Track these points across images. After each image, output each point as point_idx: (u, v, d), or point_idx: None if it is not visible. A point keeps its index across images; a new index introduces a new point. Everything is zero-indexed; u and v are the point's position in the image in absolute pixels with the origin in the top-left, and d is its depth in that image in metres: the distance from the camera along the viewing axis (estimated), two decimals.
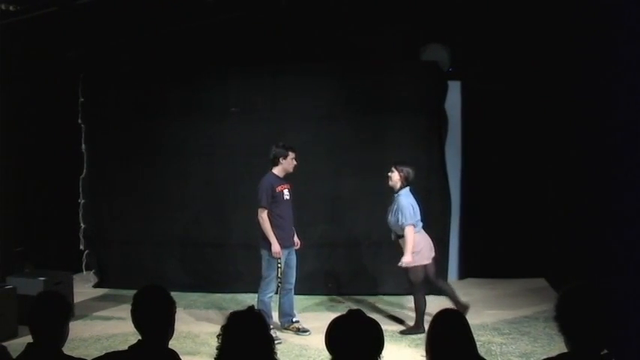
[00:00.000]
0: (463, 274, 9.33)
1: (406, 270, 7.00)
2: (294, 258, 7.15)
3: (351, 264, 8.74)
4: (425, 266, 7.05)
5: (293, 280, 7.15)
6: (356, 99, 8.76)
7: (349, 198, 8.72)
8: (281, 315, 7.20)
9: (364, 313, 3.00)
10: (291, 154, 6.99)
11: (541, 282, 9.01)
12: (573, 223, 8.05)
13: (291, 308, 7.22)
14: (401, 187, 6.98)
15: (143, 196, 9.05)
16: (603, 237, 6.53)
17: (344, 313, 3.02)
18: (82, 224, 9.19)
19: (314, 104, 8.74)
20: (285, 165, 6.98)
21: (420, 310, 7.04)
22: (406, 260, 6.84)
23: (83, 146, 9.16)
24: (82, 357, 3.59)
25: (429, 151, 8.64)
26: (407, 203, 6.91)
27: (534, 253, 9.17)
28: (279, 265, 6.89)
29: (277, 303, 7.19)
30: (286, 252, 6.99)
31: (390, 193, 7.20)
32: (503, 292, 8.71)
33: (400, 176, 6.97)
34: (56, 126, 9.12)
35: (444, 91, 9.00)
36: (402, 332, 7.07)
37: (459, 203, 9.16)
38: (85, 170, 9.18)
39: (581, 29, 7.55)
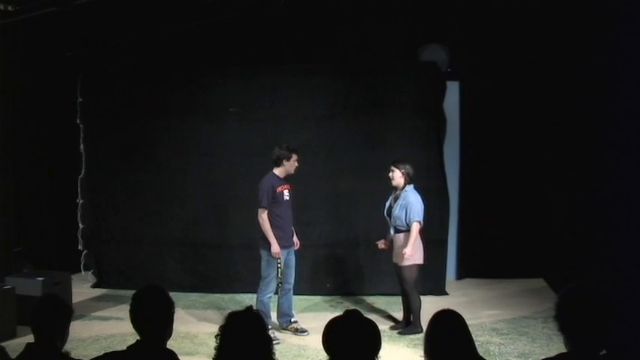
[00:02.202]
0: (462, 274, 9.33)
1: (401, 268, 7.02)
2: (293, 258, 7.15)
3: (350, 264, 8.74)
4: (419, 266, 7.08)
5: (292, 280, 7.16)
6: (355, 99, 8.76)
7: (348, 198, 8.72)
8: (279, 315, 7.20)
9: (361, 314, 3.00)
10: (295, 156, 7.00)
11: (540, 282, 9.02)
12: (572, 223, 8.06)
13: (290, 308, 7.22)
14: (405, 184, 7.03)
15: (142, 196, 9.04)
16: (602, 237, 6.53)
17: (341, 313, 3.02)
18: (80, 224, 9.18)
19: (313, 104, 8.75)
20: (288, 166, 6.99)
21: (415, 309, 7.06)
22: (408, 252, 6.87)
23: (82, 146, 9.14)
24: (80, 357, 3.59)
25: (428, 150, 8.64)
26: (416, 200, 6.99)
27: (533, 253, 9.17)
28: (278, 266, 6.90)
29: (276, 303, 7.19)
30: (285, 252, 7.00)
31: (389, 192, 7.22)
32: (501, 292, 8.72)
33: (402, 174, 7.02)
34: (55, 126, 9.12)
35: (442, 91, 9.00)
36: (400, 332, 7.07)
37: (457, 203, 9.17)
38: (83, 170, 9.16)
39: (580, 29, 7.55)
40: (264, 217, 6.87)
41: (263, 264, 6.97)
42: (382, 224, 8.52)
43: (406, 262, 6.95)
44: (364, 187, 8.63)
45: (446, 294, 8.52)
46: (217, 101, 8.89)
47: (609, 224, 6.30)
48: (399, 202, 7.01)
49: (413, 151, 8.27)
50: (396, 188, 7.12)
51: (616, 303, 2.82)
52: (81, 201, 9.19)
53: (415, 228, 6.92)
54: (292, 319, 7.18)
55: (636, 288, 5.38)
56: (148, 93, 9.06)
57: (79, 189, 9.19)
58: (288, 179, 7.08)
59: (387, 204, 7.21)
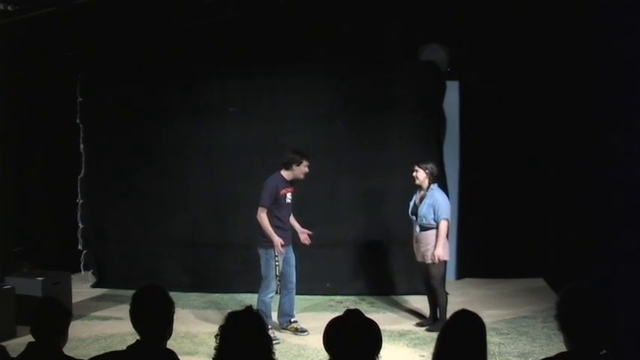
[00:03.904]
0: (461, 274, 9.33)
1: (428, 266, 7.06)
2: (293, 257, 7.14)
3: (349, 264, 8.74)
4: (445, 262, 7.15)
5: (294, 279, 7.14)
6: (354, 99, 8.76)
7: (348, 198, 8.72)
8: (280, 315, 7.19)
9: (362, 313, 3.00)
10: (305, 162, 6.96)
11: (539, 282, 9.02)
12: (571, 223, 8.06)
13: (292, 309, 7.21)
14: (430, 184, 7.07)
15: (141, 196, 9.04)
16: (602, 237, 6.53)
17: (342, 313, 3.02)
18: (80, 224, 9.18)
19: (312, 104, 8.74)
20: (297, 172, 6.97)
21: (442, 305, 7.09)
22: (438, 253, 6.93)
23: (81, 146, 9.15)
24: (80, 357, 3.60)
25: (428, 150, 8.61)
26: (443, 199, 7.06)
27: (532, 253, 9.18)
28: (277, 264, 6.89)
29: (277, 302, 7.18)
30: (284, 250, 6.99)
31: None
32: (501, 292, 8.72)
33: (426, 174, 7.06)
34: (54, 126, 9.12)
35: (442, 91, 8.99)
36: (429, 329, 7.09)
37: (457, 203, 9.14)
38: (83, 170, 9.17)
39: (579, 28, 7.55)
40: (263, 215, 6.85)
41: (262, 264, 6.96)
42: (381, 224, 8.54)
43: (439, 258, 6.98)
44: (364, 187, 8.64)
45: (446, 294, 8.51)
46: (217, 101, 8.89)
47: (609, 224, 6.30)
48: (426, 201, 7.03)
49: (413, 151, 8.26)
50: (420, 187, 7.15)
51: (616, 303, 2.83)
52: (81, 201, 9.20)
53: (444, 226, 6.96)
54: (292, 319, 7.18)
55: (636, 288, 5.38)
56: (147, 93, 9.05)
57: (79, 189, 9.19)
58: (293, 183, 7.07)
59: (412, 203, 7.23)
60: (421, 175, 7.08)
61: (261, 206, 6.87)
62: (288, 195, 7.01)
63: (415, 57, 9.33)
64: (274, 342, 3.13)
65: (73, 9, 7.68)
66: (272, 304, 7.02)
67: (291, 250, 7.14)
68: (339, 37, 9.46)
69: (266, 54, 9.26)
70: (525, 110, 9.07)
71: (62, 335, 3.49)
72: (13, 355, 3.54)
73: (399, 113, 8.67)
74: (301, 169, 6.96)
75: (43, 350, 3.39)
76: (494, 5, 8.83)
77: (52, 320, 3.47)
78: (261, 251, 6.94)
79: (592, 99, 6.98)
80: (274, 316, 7.16)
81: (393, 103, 8.69)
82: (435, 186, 7.10)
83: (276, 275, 6.91)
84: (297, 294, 7.42)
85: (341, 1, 9.31)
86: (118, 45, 9.35)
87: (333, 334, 2.93)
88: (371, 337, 2.93)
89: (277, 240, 6.80)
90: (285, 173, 6.97)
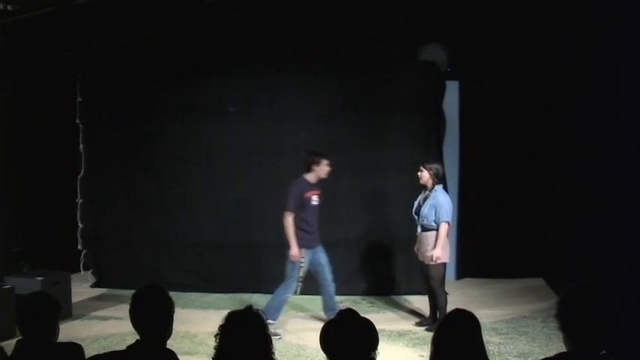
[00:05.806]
0: (461, 273, 9.34)
1: (428, 267, 7.06)
2: (323, 256, 7.25)
3: (349, 264, 8.74)
4: (445, 264, 7.16)
5: (328, 276, 7.26)
6: (354, 99, 8.76)
7: (348, 198, 8.72)
8: (327, 310, 7.24)
9: (355, 312, 3.01)
10: (325, 161, 7.09)
11: (539, 282, 9.02)
12: (571, 223, 8.06)
13: (334, 302, 7.27)
14: (434, 184, 7.08)
15: (141, 195, 9.04)
16: (601, 236, 6.54)
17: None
18: (79, 224, 9.18)
19: (312, 104, 8.74)
20: (319, 171, 7.09)
21: (442, 306, 7.09)
22: (436, 254, 6.94)
23: (81, 146, 9.14)
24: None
25: (427, 150, 8.61)
26: (445, 201, 7.05)
27: (532, 253, 9.18)
28: (301, 266, 6.99)
29: (287, 304, 7.21)
30: (311, 252, 7.12)
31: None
32: (501, 292, 8.72)
33: (430, 174, 7.07)
34: (54, 126, 9.12)
35: (442, 91, 9.00)
36: (428, 329, 7.10)
37: (456, 203, 9.12)
38: (83, 170, 9.16)
39: (579, 28, 7.56)
40: (289, 220, 6.95)
41: (288, 264, 7.03)
42: (381, 223, 8.54)
43: (438, 260, 7.00)
44: (364, 187, 8.63)
45: (445, 294, 8.52)
46: (217, 101, 8.89)
47: (609, 224, 6.30)
48: (429, 201, 7.05)
49: (412, 151, 8.27)
50: (425, 187, 7.17)
51: (617, 303, 2.82)
52: (80, 200, 9.19)
53: (444, 228, 6.97)
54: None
55: (636, 288, 5.38)
56: (147, 93, 9.05)
57: (78, 189, 9.19)
58: (319, 184, 7.15)
59: (416, 203, 7.26)
60: (425, 176, 7.10)
61: (287, 211, 6.97)
62: (314, 197, 7.12)
63: (415, 57, 9.33)
64: (275, 337, 3.14)
65: (73, 9, 7.68)
66: (286, 305, 7.12)
67: (321, 250, 7.26)
68: (339, 37, 9.46)
69: (266, 53, 9.26)
70: (525, 110, 9.08)
71: (52, 331, 3.48)
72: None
73: (399, 113, 8.66)
74: (322, 169, 7.10)
75: (33, 345, 3.41)
76: (494, 5, 8.83)
77: (40, 314, 3.47)
78: (288, 252, 7.02)
79: (592, 98, 6.99)
80: (284, 316, 7.20)
81: (393, 103, 8.68)
82: (439, 187, 7.11)
83: (299, 277, 7.00)
84: (299, 294, 7.42)
85: (341, 1, 9.31)
86: (118, 45, 9.35)
87: (328, 335, 2.94)
88: (365, 333, 2.93)
89: (295, 251, 6.91)
90: (308, 176, 7.09)
